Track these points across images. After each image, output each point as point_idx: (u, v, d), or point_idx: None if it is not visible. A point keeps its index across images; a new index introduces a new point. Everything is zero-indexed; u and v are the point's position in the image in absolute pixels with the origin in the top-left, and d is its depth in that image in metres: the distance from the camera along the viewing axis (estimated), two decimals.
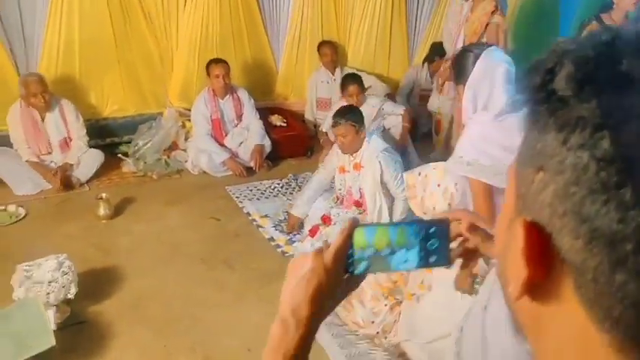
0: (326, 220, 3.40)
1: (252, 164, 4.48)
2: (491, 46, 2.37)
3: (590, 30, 4.00)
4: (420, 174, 2.48)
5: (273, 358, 0.70)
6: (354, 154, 3.38)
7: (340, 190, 3.53)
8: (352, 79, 4.34)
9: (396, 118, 4.38)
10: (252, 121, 4.60)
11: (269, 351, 0.71)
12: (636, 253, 0.33)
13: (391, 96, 5.03)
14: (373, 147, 3.34)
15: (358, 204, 3.43)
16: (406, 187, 2.53)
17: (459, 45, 3.92)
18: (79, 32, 4.28)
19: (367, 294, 2.79)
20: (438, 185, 2.41)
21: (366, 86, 5.11)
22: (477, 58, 2.16)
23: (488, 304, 1.89)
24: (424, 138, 4.86)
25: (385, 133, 4.27)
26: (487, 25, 3.78)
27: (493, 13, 3.76)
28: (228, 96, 4.52)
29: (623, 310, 0.35)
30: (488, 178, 2.06)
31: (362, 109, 3.77)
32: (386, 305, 2.73)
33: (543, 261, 0.39)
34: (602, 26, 3.33)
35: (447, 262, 0.74)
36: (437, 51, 5.03)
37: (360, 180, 3.38)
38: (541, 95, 0.39)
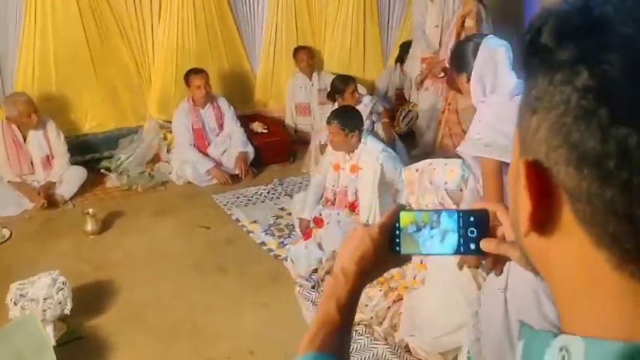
0: (318, 222, 3.43)
1: (237, 172, 4.49)
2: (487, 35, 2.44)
3: None
4: (417, 170, 2.53)
5: (328, 304, 0.82)
6: (350, 155, 3.39)
7: (333, 186, 3.52)
8: (346, 81, 4.38)
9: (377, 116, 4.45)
10: (233, 129, 4.62)
11: (324, 299, 0.84)
12: (619, 168, 0.38)
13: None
14: (371, 148, 3.34)
15: (352, 206, 3.44)
16: (405, 184, 2.58)
17: (446, 41, 4.00)
18: (54, 49, 4.25)
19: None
20: (430, 183, 2.47)
21: None
22: (476, 46, 2.23)
23: (509, 285, 1.97)
24: (404, 136, 4.94)
25: (373, 132, 4.34)
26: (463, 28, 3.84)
27: (466, 16, 3.81)
28: (208, 105, 4.54)
29: (617, 224, 0.40)
30: (508, 156, 2.11)
31: (358, 108, 3.82)
32: (380, 291, 2.78)
33: (545, 193, 0.44)
34: None
35: (483, 252, 0.77)
36: (407, 50, 5.16)
37: (357, 182, 3.37)
38: (531, 49, 0.45)
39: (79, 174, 4.20)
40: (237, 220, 3.92)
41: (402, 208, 0.83)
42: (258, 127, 4.91)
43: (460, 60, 2.30)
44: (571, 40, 0.42)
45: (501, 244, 0.75)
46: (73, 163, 4.27)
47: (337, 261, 0.87)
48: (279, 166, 4.79)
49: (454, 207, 2.50)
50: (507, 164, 2.13)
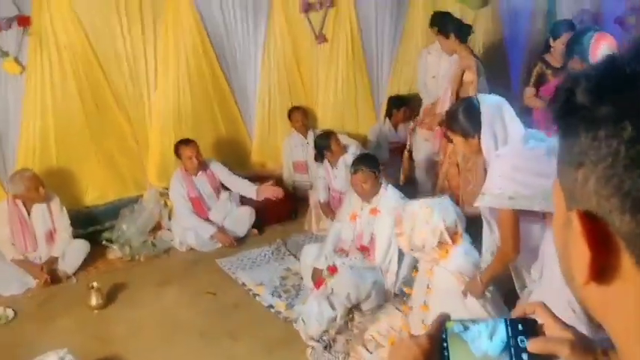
0: (332, 270, 3.40)
1: (240, 234, 4.49)
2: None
3: (538, 71, 4.29)
4: (405, 210, 2.56)
5: None
6: (371, 200, 3.44)
7: (350, 238, 3.56)
8: (327, 135, 4.53)
9: None
10: (234, 182, 4.63)
11: None
12: None
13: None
14: (391, 193, 3.40)
15: (364, 248, 3.44)
16: (395, 225, 2.60)
17: (443, 96, 4.09)
18: (54, 126, 4.31)
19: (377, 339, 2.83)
20: (427, 222, 2.49)
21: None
22: (469, 106, 2.31)
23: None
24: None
25: None
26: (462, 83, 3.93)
27: (465, 69, 3.90)
28: (201, 173, 4.54)
29: None
30: (537, 205, 2.13)
31: (344, 158, 3.89)
32: None
33: (602, 241, 0.46)
34: (545, 66, 3.54)
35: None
36: (394, 104, 5.28)
37: (375, 224, 3.39)
38: (568, 109, 0.49)
39: (81, 248, 4.18)
40: (243, 284, 3.89)
41: (447, 316, 0.81)
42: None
43: (465, 123, 2.34)
44: (609, 97, 0.45)
45: (549, 342, 0.74)
46: (75, 236, 4.25)
47: None
48: (281, 225, 4.78)
49: (451, 244, 2.51)
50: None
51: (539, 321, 0.78)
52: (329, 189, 4.62)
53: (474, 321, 0.79)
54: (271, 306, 3.59)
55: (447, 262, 2.49)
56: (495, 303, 2.55)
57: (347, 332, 3.25)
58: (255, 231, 4.62)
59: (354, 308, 3.35)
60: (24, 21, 4.08)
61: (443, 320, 0.81)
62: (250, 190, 4.60)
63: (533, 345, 0.74)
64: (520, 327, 0.75)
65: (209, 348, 3.21)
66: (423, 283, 2.61)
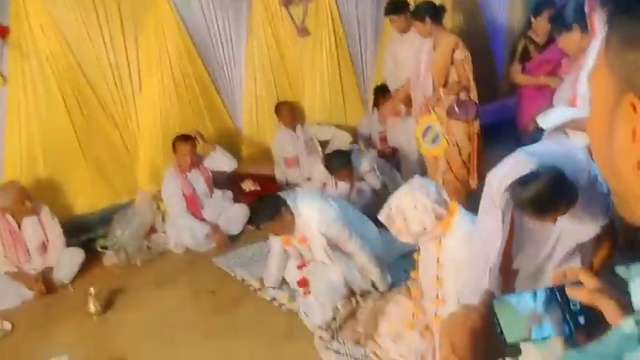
0: (302, 284, 3.43)
1: (235, 232, 4.46)
2: None
3: (522, 46, 4.31)
4: (391, 209, 2.52)
5: None
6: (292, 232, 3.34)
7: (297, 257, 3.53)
8: (342, 160, 4.34)
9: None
10: (216, 160, 4.61)
11: None
12: None
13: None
14: (307, 217, 3.24)
15: (303, 283, 3.42)
16: (389, 227, 2.56)
17: (422, 80, 4.07)
18: (40, 134, 4.24)
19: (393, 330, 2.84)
20: (414, 207, 2.47)
21: (327, 138, 5.29)
22: None
23: None
24: None
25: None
26: (453, 61, 3.92)
27: (455, 49, 3.90)
28: (194, 169, 4.52)
29: None
30: None
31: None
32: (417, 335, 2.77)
33: None
34: (529, 42, 3.56)
35: (596, 319, 0.71)
36: (379, 93, 5.29)
37: (313, 251, 3.34)
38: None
39: (76, 256, 4.12)
40: (243, 280, 3.85)
41: (492, 295, 0.79)
42: (249, 185, 4.91)
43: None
44: None
45: (595, 293, 0.71)
46: (69, 245, 4.18)
47: (445, 344, 0.79)
48: None
49: (447, 214, 2.49)
50: None
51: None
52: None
53: (521, 295, 0.77)
54: (274, 299, 3.56)
55: (453, 232, 2.47)
56: None
57: (354, 320, 3.24)
58: (251, 227, 4.58)
59: (353, 294, 3.36)
60: (3, 31, 4.02)
61: (490, 298, 0.79)
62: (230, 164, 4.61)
63: (576, 292, 0.73)
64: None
65: (212, 346, 3.17)
66: (430, 260, 2.59)
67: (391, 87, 4.94)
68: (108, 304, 3.71)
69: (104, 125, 4.52)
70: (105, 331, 3.45)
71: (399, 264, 3.74)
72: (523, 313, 0.75)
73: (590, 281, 0.74)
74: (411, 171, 4.66)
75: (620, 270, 0.67)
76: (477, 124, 4.02)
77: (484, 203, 2.28)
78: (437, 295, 2.59)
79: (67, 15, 4.20)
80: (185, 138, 4.41)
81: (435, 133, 4.05)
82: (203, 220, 4.47)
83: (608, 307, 0.68)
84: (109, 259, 4.29)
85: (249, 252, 4.27)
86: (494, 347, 0.78)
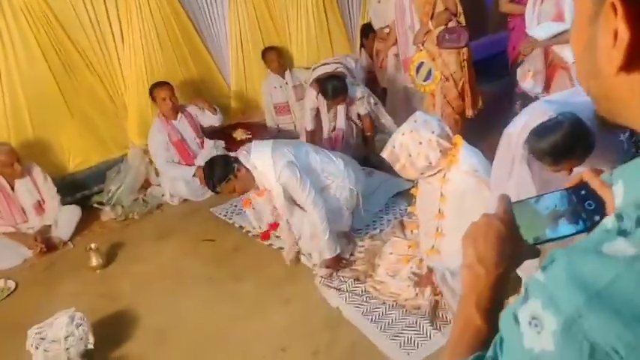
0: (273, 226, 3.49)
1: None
2: None
3: None
4: (394, 147, 2.51)
5: (468, 304, 0.75)
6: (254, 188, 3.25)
7: (260, 220, 3.55)
8: (339, 85, 4.21)
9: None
10: (209, 118, 4.58)
11: (464, 297, 0.77)
12: None
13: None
14: (262, 167, 3.12)
15: (274, 226, 3.45)
16: (393, 164, 2.56)
17: (408, 14, 4.00)
18: (24, 94, 4.16)
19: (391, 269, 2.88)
20: (419, 143, 2.47)
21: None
22: None
23: None
24: None
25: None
26: None
27: None
28: (180, 115, 4.47)
29: None
30: None
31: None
32: (412, 267, 2.81)
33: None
34: None
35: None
36: (365, 32, 5.18)
37: (275, 202, 3.24)
38: None
39: (73, 213, 4.12)
40: (241, 227, 3.88)
41: (509, 200, 0.79)
42: (241, 134, 4.87)
43: None
44: None
45: (603, 186, 0.71)
46: (64, 204, 4.18)
47: (468, 246, 0.78)
48: None
49: (452, 146, 2.50)
50: None
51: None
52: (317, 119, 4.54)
53: (538, 196, 0.77)
54: (272, 244, 3.60)
55: (459, 165, 2.49)
56: None
57: (352, 259, 3.29)
58: None
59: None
60: None
61: (507, 200, 0.79)
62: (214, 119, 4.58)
63: (589, 175, 0.74)
64: (583, 192, 0.74)
65: (216, 292, 3.22)
66: (432, 194, 2.61)
67: (376, 26, 4.85)
68: (109, 258, 3.75)
69: (88, 79, 4.43)
70: (108, 283, 3.49)
71: (394, 202, 3.79)
72: (542, 213, 0.76)
73: (593, 180, 0.75)
74: (397, 106, 4.65)
75: (606, 177, 0.68)
76: (466, 51, 3.98)
77: (501, 157, 2.29)
78: (437, 228, 2.62)
79: None
80: (160, 83, 4.36)
81: (427, 68, 4.01)
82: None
83: (610, 201, 0.69)
84: (106, 214, 4.31)
85: None
86: (519, 253, 0.78)
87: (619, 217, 0.50)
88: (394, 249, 3.06)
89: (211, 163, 3.17)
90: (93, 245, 3.64)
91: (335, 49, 5.45)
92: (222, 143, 4.64)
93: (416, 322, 2.70)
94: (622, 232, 0.48)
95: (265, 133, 4.99)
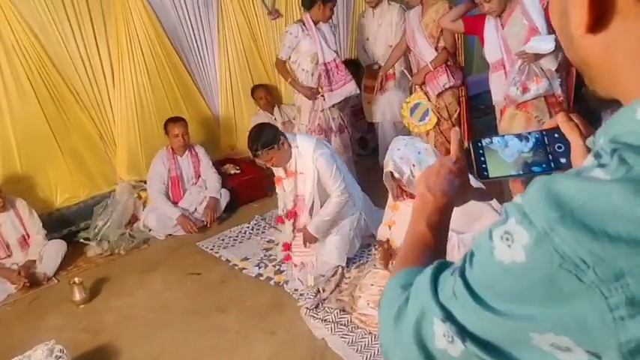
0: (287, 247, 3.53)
1: (204, 218, 4.45)
2: None
3: None
4: (394, 161, 2.59)
5: (418, 224, 0.83)
6: (289, 163, 3.42)
7: (285, 204, 3.61)
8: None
9: None
10: (209, 175, 4.59)
11: (413, 220, 0.84)
12: None
13: None
14: (304, 150, 3.34)
15: (292, 215, 3.50)
16: (400, 177, 2.60)
17: (419, 48, 4.11)
18: (13, 130, 4.18)
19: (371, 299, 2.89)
20: (419, 152, 2.54)
21: None
22: None
23: None
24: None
25: None
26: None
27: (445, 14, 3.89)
28: (187, 153, 4.53)
29: None
30: None
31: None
32: (372, 286, 2.88)
33: None
34: None
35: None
36: (353, 69, 5.29)
37: (297, 187, 3.43)
38: None
39: (58, 248, 4.09)
40: (228, 261, 3.87)
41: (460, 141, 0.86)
42: (230, 168, 4.91)
43: None
44: None
45: (573, 129, 0.75)
46: (50, 239, 4.15)
47: (421, 182, 0.87)
48: (257, 203, 4.77)
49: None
50: None
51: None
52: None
53: (502, 135, 0.80)
54: (260, 275, 3.58)
55: None
56: None
57: (339, 290, 3.27)
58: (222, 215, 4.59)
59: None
60: None
61: (460, 137, 0.87)
62: (211, 190, 4.54)
63: (563, 121, 0.75)
64: (556, 135, 0.76)
65: (201, 324, 3.18)
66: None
67: (364, 63, 4.95)
68: (93, 292, 3.70)
69: (78, 116, 4.47)
70: (91, 317, 3.43)
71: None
72: (506, 158, 0.78)
73: (566, 125, 0.77)
74: (387, 136, 4.71)
75: (589, 141, 0.70)
76: (463, 88, 4.13)
77: None
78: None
79: (31, 5, 4.12)
80: (175, 119, 4.45)
81: (424, 109, 4.11)
82: (177, 205, 4.45)
83: (576, 145, 0.73)
84: (92, 250, 4.27)
85: (233, 234, 4.29)
86: (466, 189, 0.88)
87: (597, 155, 0.52)
88: (375, 280, 3.05)
89: (261, 129, 3.34)
90: (76, 279, 3.60)
91: None
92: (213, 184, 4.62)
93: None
94: (600, 166, 0.51)
95: (254, 169, 5.02)
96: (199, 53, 4.99)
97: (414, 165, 2.50)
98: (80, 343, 3.11)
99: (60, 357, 2.67)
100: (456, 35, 4.10)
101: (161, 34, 4.70)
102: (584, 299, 0.47)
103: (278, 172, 3.56)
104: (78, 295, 3.57)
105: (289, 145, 3.32)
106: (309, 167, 3.31)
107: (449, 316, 0.58)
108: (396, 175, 2.58)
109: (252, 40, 5.19)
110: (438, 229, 0.82)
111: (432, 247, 0.79)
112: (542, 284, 0.49)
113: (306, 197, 3.43)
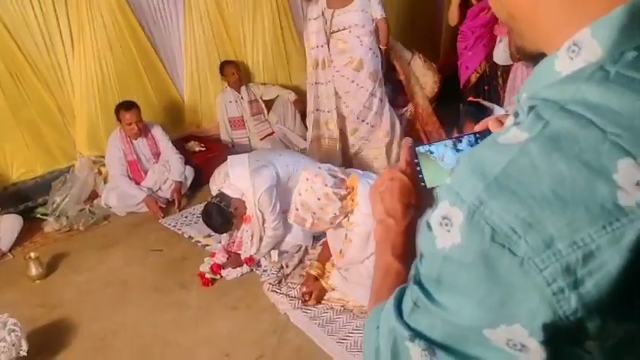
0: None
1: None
2: None
3: None
4: (297, 209, 2.68)
5: (384, 254, 0.77)
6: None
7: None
8: None
9: None
10: (170, 156, 4.47)
11: (379, 250, 0.79)
12: None
13: (297, 103, 5.16)
14: (247, 193, 3.25)
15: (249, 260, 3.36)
16: (303, 225, 2.75)
17: None
18: None
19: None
20: (317, 199, 2.63)
21: (272, 97, 5.24)
22: None
23: None
24: None
25: None
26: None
27: None
28: (141, 137, 4.39)
29: None
30: None
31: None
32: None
33: None
34: None
35: None
36: None
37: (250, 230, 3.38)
38: None
39: (13, 223, 3.96)
40: (190, 238, 3.82)
41: (413, 143, 0.81)
42: (194, 146, 4.82)
43: None
44: None
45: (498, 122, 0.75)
46: (5, 214, 4.02)
47: (377, 209, 0.80)
48: None
49: (348, 190, 2.62)
50: None
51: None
52: None
53: (437, 141, 0.80)
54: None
55: (359, 207, 2.58)
56: None
57: (302, 265, 3.28)
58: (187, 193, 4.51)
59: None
60: None
61: (411, 145, 0.81)
62: (175, 174, 4.41)
63: (491, 123, 0.75)
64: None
65: (162, 300, 3.14)
66: (340, 231, 2.70)
67: None
68: (50, 268, 3.61)
69: (37, 89, 4.30)
70: (48, 293, 3.35)
71: None
72: (445, 167, 0.77)
73: (497, 128, 0.76)
74: None
75: (514, 100, 0.71)
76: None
77: None
78: (333, 264, 2.83)
79: None
80: (128, 106, 4.23)
81: None
82: (140, 186, 4.35)
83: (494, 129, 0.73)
84: (50, 225, 4.15)
85: (197, 211, 4.21)
86: (422, 201, 0.79)
87: (515, 114, 0.51)
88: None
89: (208, 217, 3.24)
90: (32, 254, 3.51)
91: (291, 66, 5.50)
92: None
93: (362, 326, 2.68)
94: (516, 124, 0.49)
95: (219, 147, 4.96)
96: (163, 25, 4.85)
97: (314, 213, 2.61)
98: (36, 317, 3.04)
99: (13, 330, 2.59)
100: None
101: (125, 7, 4.54)
102: (521, 278, 0.45)
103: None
104: (34, 271, 3.47)
105: (239, 200, 3.24)
106: (254, 211, 3.25)
107: (416, 333, 0.54)
108: (298, 225, 2.75)
109: (219, 15, 5.08)
110: (405, 254, 0.76)
111: (404, 275, 0.74)
112: (478, 266, 0.47)
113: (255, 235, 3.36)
